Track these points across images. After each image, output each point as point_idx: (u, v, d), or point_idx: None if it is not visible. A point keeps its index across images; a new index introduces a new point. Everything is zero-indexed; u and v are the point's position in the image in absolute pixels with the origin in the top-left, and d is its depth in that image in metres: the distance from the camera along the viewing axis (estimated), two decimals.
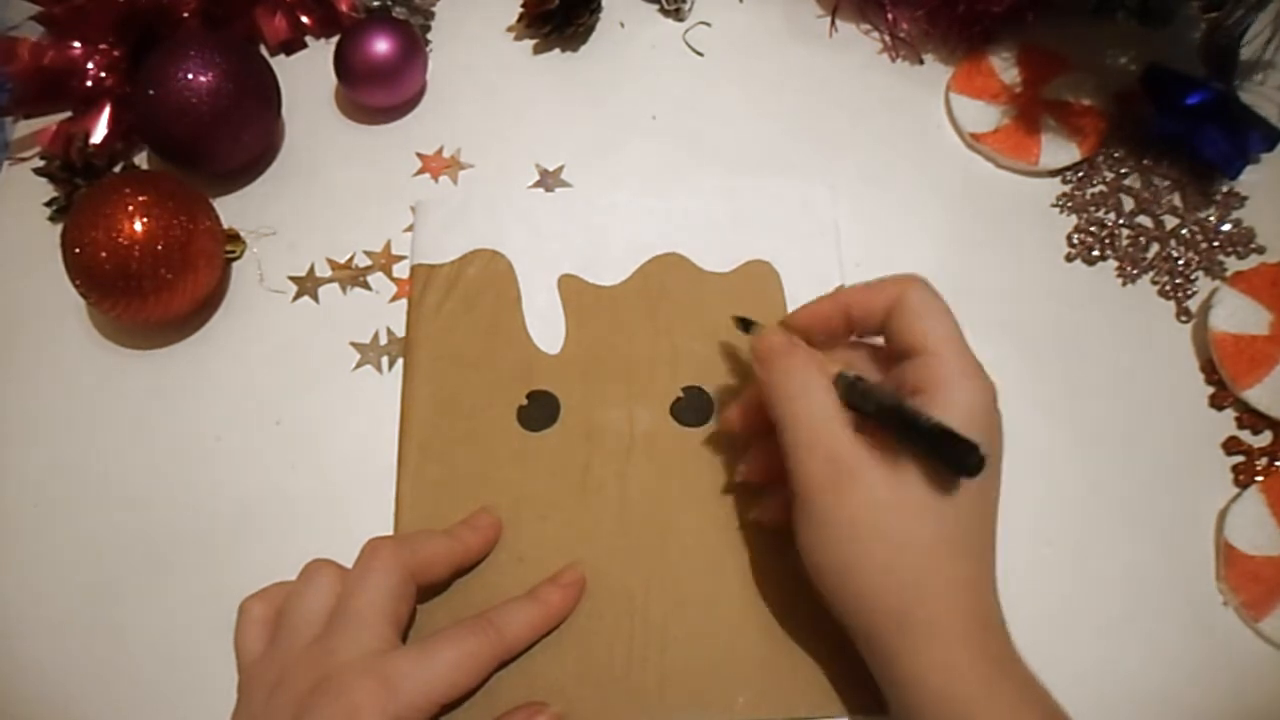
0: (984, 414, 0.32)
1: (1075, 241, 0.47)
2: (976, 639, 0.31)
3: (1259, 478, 0.41)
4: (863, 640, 0.33)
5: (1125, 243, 0.47)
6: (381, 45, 0.49)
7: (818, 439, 0.32)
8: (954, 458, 0.30)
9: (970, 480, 0.30)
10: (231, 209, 0.48)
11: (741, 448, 0.39)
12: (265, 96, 0.49)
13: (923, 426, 0.30)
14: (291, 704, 0.31)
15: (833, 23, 0.53)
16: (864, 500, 0.31)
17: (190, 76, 0.45)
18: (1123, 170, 0.48)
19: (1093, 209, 0.47)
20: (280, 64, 0.53)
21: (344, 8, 0.53)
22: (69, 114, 0.51)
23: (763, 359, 0.35)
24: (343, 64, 0.49)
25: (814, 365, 0.34)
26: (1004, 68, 0.50)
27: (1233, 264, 0.46)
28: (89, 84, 0.50)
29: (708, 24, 0.54)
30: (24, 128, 0.52)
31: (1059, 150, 0.48)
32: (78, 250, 0.42)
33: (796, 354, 0.34)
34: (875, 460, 0.31)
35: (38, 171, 0.49)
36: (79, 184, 0.48)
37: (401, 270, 0.47)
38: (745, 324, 0.38)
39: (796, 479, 0.32)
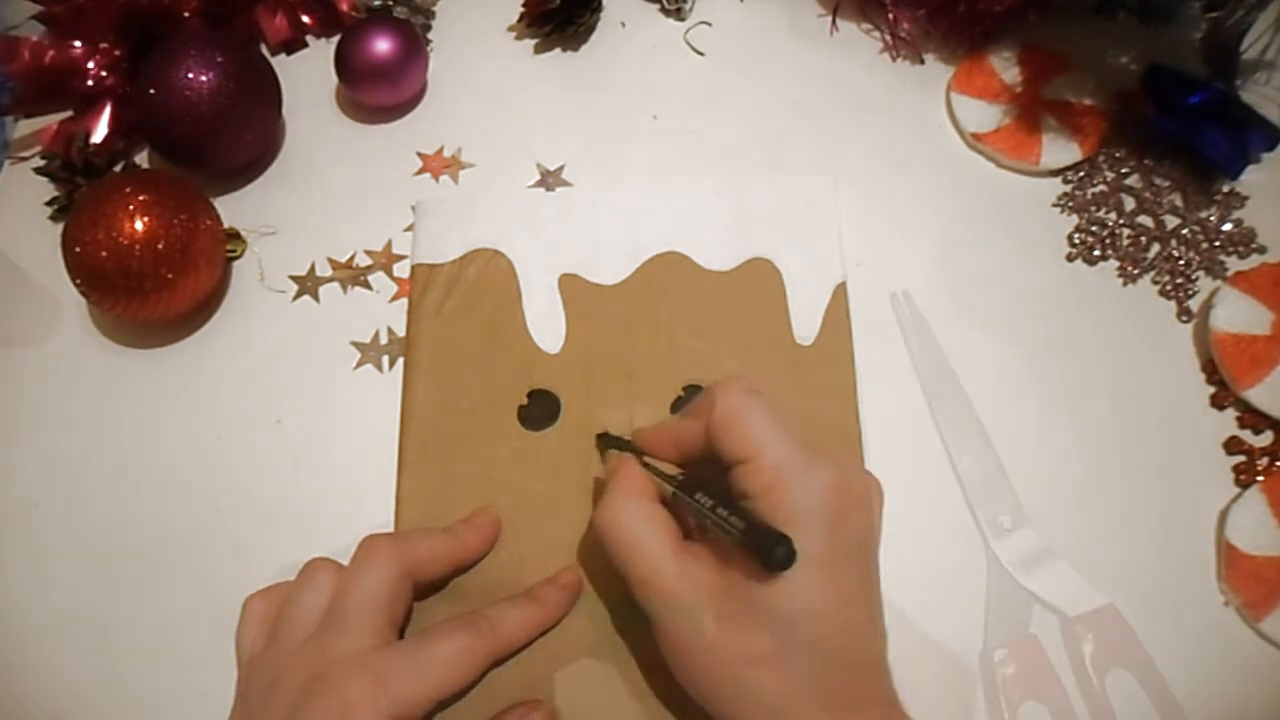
0: (820, 508, 0.30)
1: (1076, 241, 0.47)
2: None
3: (1260, 477, 0.41)
4: None
5: (1126, 242, 0.47)
6: (382, 45, 0.49)
7: (648, 578, 0.32)
8: (762, 552, 0.29)
9: (804, 577, 0.29)
10: (232, 208, 0.48)
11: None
12: (266, 96, 0.49)
13: (732, 527, 0.30)
14: (286, 701, 0.31)
15: (833, 22, 0.53)
16: (689, 629, 0.31)
17: (191, 76, 0.45)
18: (1124, 170, 0.48)
19: (1094, 209, 0.47)
20: (281, 63, 0.53)
21: (345, 7, 0.53)
22: (70, 113, 0.51)
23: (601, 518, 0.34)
24: (343, 63, 0.49)
25: (640, 499, 0.34)
26: (1005, 67, 0.50)
27: (1234, 264, 0.46)
28: (90, 83, 0.50)
29: (708, 24, 0.54)
30: (25, 127, 0.52)
31: (1060, 150, 0.48)
32: (78, 249, 0.42)
33: (624, 492, 0.34)
34: (704, 583, 0.31)
35: (38, 171, 0.49)
36: (80, 183, 0.48)
37: (402, 270, 0.47)
38: (607, 442, 0.38)
39: (641, 607, 0.33)
